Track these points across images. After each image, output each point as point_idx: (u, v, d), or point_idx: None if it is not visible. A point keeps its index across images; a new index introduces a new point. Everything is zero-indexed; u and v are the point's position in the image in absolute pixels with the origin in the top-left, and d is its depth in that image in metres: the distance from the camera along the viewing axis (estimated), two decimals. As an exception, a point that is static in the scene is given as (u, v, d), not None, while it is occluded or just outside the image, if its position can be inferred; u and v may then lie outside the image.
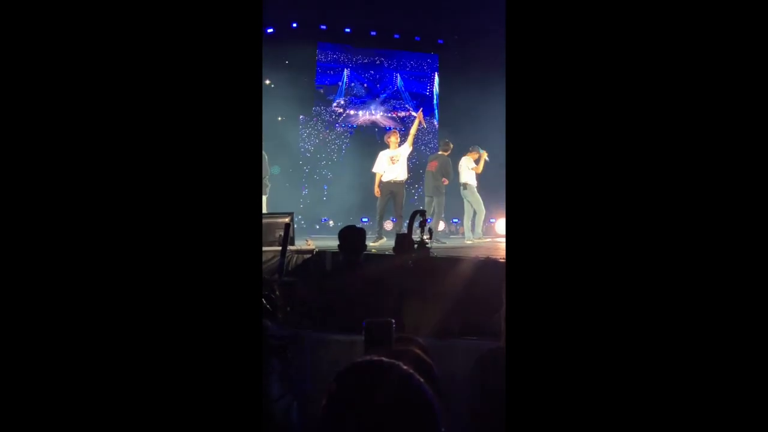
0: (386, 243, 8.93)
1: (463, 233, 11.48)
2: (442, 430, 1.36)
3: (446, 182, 10.29)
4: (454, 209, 12.78)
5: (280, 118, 15.09)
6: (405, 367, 1.39)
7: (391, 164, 9.85)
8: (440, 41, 16.29)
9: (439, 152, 10.66)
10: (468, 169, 10.45)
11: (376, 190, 9.90)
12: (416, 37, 16.02)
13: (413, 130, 10.12)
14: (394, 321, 1.98)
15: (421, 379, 1.37)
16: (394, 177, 9.81)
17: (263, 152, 9.25)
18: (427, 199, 10.57)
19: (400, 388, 1.35)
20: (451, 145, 10.66)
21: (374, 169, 10.01)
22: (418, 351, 1.95)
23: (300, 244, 7.86)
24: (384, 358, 1.41)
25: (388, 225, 10.41)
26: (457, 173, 10.58)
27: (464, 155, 10.61)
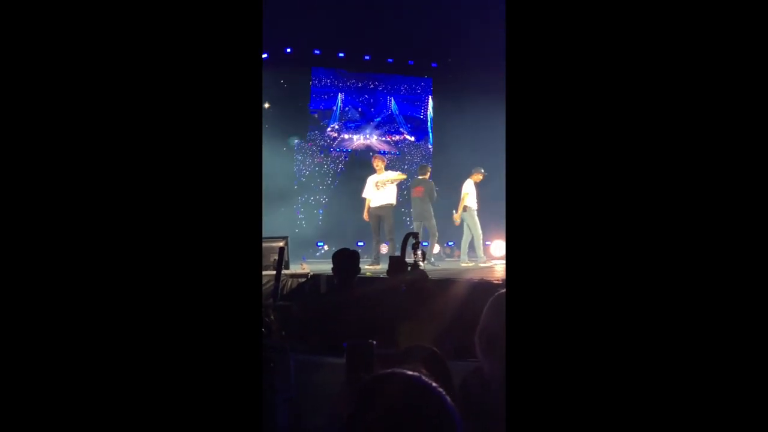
0: (383, 267, 8.92)
1: (458, 256, 11.46)
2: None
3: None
4: (449, 232, 12.79)
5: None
6: (427, 380, 1.38)
7: (377, 190, 9.91)
8: (434, 64, 16.37)
9: (419, 177, 10.68)
10: (471, 192, 10.49)
11: (365, 215, 9.98)
12: (410, 61, 16.09)
13: (396, 177, 10.22)
14: (375, 342, 1.97)
15: (442, 391, 1.37)
16: (381, 202, 9.87)
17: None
18: (415, 224, 10.59)
19: (422, 400, 1.35)
20: (429, 169, 10.72)
21: (363, 195, 10.09)
22: (438, 357, 1.95)
23: (295, 268, 7.86)
24: (406, 371, 1.40)
25: (384, 248, 10.42)
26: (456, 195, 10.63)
27: (469, 177, 10.63)
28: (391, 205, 10.02)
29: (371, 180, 10.07)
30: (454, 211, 10.74)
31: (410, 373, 1.39)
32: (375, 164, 10.25)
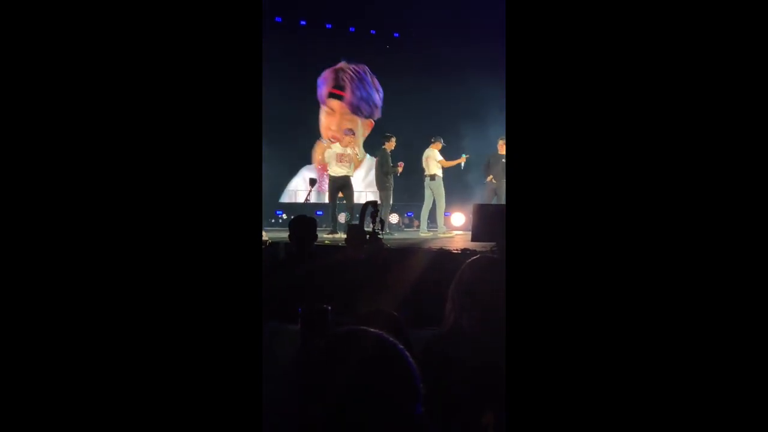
0: (340, 236, 8.92)
1: (417, 226, 11.49)
2: (421, 393, 1.37)
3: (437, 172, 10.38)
4: (409, 203, 12.82)
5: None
6: (389, 337, 1.40)
7: (338, 162, 9.97)
8: (396, 35, 16.24)
9: (383, 147, 10.66)
10: (435, 161, 10.46)
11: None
12: (372, 31, 15.94)
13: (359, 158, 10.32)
14: (330, 307, 1.95)
15: (403, 348, 1.39)
16: (342, 172, 9.93)
17: None
18: (373, 193, 10.64)
19: (384, 355, 1.37)
20: (392, 138, 10.64)
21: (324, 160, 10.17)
22: (397, 320, 1.94)
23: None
24: (366, 328, 1.42)
25: (342, 217, 10.45)
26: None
27: (428, 147, 10.62)
28: (350, 175, 10.08)
29: (333, 152, 10.09)
30: (463, 155, 10.75)
31: (373, 330, 1.40)
32: (345, 138, 10.28)
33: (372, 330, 1.41)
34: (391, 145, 10.47)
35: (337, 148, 10.17)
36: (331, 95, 14.10)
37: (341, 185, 10.03)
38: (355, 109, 14.26)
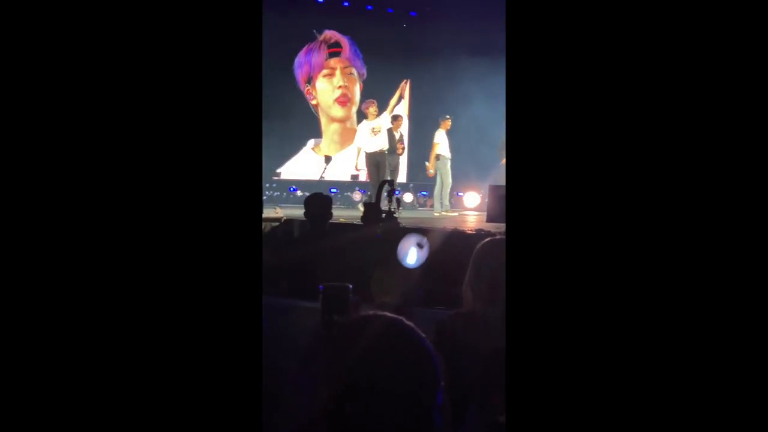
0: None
1: (431, 206, 11.49)
2: (441, 383, 1.39)
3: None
4: (423, 181, 12.80)
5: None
6: (409, 323, 1.41)
7: (373, 136, 9.81)
8: (413, 13, 16.14)
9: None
10: (443, 141, 10.45)
11: (356, 165, 9.86)
12: (389, 9, 15.85)
13: (393, 101, 10.11)
14: (351, 286, 1.96)
15: (423, 335, 1.40)
16: (379, 147, 9.78)
17: None
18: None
19: (404, 341, 1.38)
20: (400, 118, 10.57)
21: (356, 144, 9.97)
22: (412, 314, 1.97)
23: (268, 212, 7.83)
24: (387, 313, 1.43)
25: (356, 196, 10.41)
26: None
27: (438, 127, 10.60)
28: (385, 150, 9.94)
29: (365, 127, 9.94)
30: (426, 162, 10.71)
31: (391, 315, 1.42)
32: (368, 110, 10.10)
33: (394, 316, 1.42)
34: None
35: (366, 123, 10.02)
36: (331, 54, 13.86)
37: (378, 161, 9.86)
38: (354, 60, 14.05)
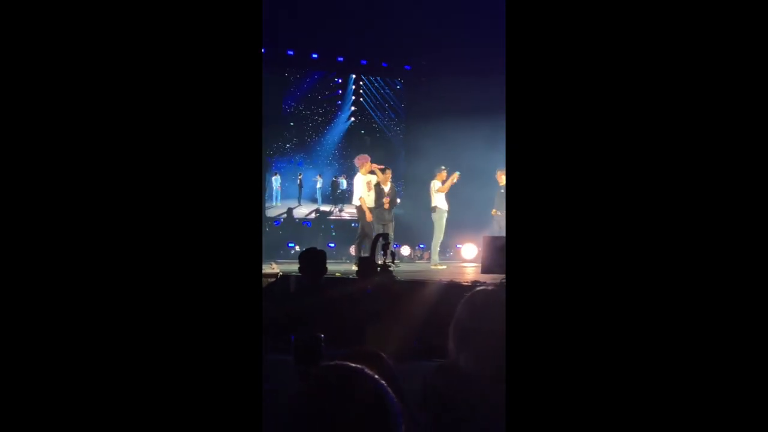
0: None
1: (428, 258, 11.48)
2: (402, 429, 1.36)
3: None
4: (421, 234, 12.80)
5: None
6: (370, 372, 1.40)
7: (369, 190, 9.85)
8: (407, 67, 16.31)
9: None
10: (434, 192, 10.48)
11: (369, 216, 9.84)
12: (383, 63, 16.03)
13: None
14: (323, 335, 1.96)
15: (384, 384, 1.38)
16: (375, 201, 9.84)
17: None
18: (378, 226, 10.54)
19: (363, 392, 1.36)
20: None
21: (355, 199, 9.97)
22: (382, 359, 1.95)
23: (265, 267, 7.83)
24: (349, 363, 1.42)
25: (352, 250, 10.39)
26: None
27: (433, 179, 10.64)
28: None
29: (361, 180, 9.97)
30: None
31: (352, 365, 1.41)
32: (362, 164, 10.14)
33: (351, 365, 1.41)
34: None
35: (362, 177, 10.05)
36: None
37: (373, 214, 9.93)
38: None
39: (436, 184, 10.56)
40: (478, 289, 2.36)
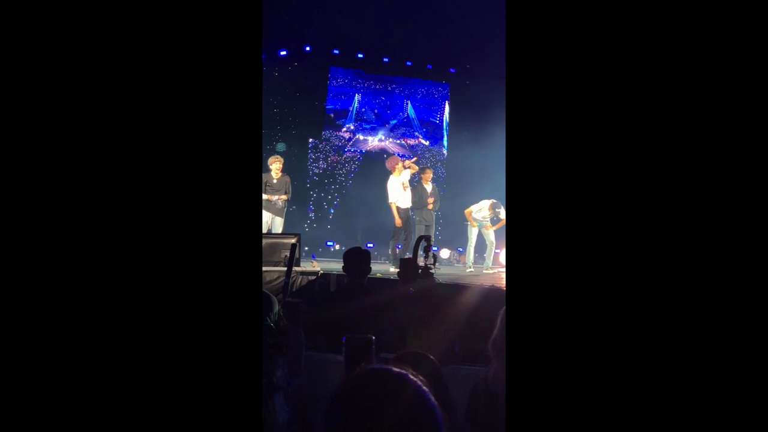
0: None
1: (464, 263, 11.46)
2: None
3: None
4: (459, 239, 12.80)
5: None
6: (413, 377, 1.40)
7: (404, 191, 9.85)
8: (452, 70, 16.34)
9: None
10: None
11: (398, 221, 9.84)
12: (428, 65, 16.06)
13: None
14: (374, 338, 1.98)
15: (427, 390, 1.39)
16: (409, 203, 9.84)
17: (286, 176, 9.32)
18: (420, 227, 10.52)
19: (405, 397, 1.36)
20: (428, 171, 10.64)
21: (390, 199, 9.97)
22: (430, 362, 1.96)
23: (305, 265, 7.87)
24: (393, 368, 1.42)
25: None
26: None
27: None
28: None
29: (396, 182, 9.97)
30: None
31: (396, 370, 1.41)
32: (395, 166, 10.15)
33: (395, 370, 1.42)
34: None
35: (395, 179, 10.06)
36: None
37: (407, 217, 9.94)
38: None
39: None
40: None
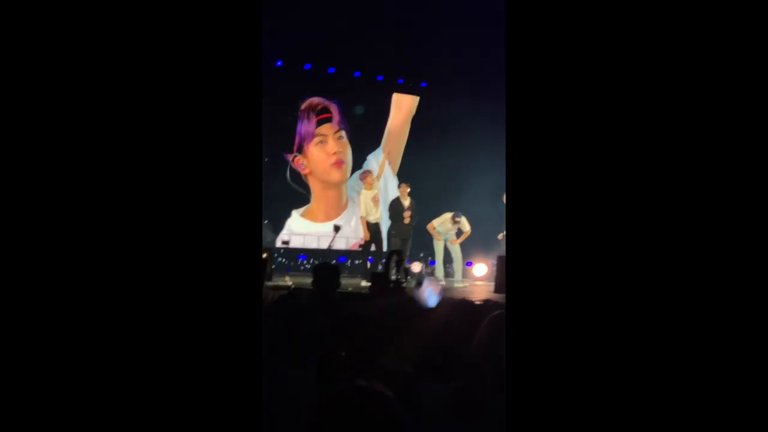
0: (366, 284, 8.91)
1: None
2: None
3: None
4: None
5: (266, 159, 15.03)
6: (387, 393, 1.43)
7: (375, 206, 9.88)
8: (423, 84, 16.32)
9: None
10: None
11: (366, 234, 9.86)
12: (399, 80, 16.04)
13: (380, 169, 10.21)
14: (344, 354, 1.96)
15: (399, 405, 1.42)
16: (378, 217, 9.87)
17: None
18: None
19: (378, 414, 1.39)
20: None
21: (361, 213, 10.00)
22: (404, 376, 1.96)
23: (277, 280, 7.84)
24: (367, 384, 1.45)
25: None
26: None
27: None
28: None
29: (367, 196, 9.99)
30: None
31: (369, 385, 1.44)
32: (366, 179, 10.19)
33: (375, 389, 1.43)
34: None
35: (367, 193, 10.10)
36: (320, 122, 13.84)
37: (376, 231, 9.96)
38: (343, 124, 14.05)
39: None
40: (496, 312, 2.37)
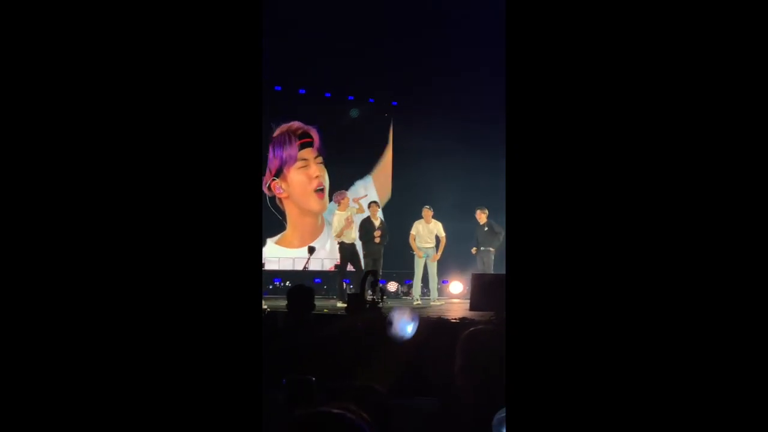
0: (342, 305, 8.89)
1: (412, 295, 11.49)
2: None
3: None
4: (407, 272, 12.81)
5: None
6: (351, 416, 1.42)
7: (348, 227, 9.89)
8: (394, 103, 16.36)
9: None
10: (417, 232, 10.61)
11: (341, 256, 9.92)
12: (370, 99, 16.07)
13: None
14: (314, 378, 1.96)
15: (366, 428, 1.41)
16: (353, 238, 9.89)
17: None
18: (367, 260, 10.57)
19: None
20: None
21: (335, 234, 10.02)
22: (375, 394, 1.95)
23: (251, 304, 7.79)
24: (332, 409, 1.44)
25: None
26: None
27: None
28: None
29: (341, 216, 10.02)
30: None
31: (335, 411, 1.43)
32: (340, 201, 10.23)
33: (335, 411, 1.43)
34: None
35: (341, 214, 10.12)
36: (303, 145, 13.84)
37: (352, 252, 9.97)
38: (322, 150, 14.05)
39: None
40: (478, 327, 2.37)
